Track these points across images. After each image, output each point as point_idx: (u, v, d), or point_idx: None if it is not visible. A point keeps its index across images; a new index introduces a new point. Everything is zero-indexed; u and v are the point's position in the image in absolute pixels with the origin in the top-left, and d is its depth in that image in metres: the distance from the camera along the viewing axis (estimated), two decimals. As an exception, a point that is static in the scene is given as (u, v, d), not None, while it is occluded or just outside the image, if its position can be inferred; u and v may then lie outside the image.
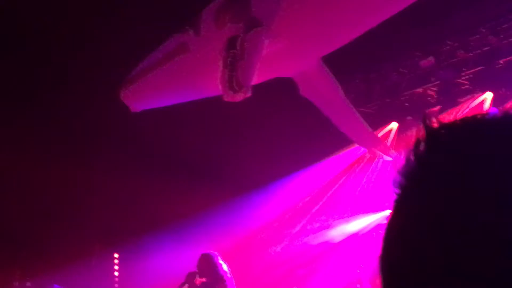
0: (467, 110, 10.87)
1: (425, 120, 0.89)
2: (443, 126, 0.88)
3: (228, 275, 7.91)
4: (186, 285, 8.12)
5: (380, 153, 10.70)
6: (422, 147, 0.88)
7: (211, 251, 8.30)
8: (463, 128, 0.88)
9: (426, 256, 0.82)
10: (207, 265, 7.97)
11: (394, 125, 12.00)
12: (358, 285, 11.06)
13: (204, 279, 7.98)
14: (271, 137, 11.81)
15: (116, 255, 13.94)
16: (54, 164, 12.28)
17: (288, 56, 8.54)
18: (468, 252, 0.80)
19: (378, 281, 0.88)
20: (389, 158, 10.79)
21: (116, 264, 13.93)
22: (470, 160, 0.83)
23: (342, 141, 10.94)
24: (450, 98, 11.44)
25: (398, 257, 0.87)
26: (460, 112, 10.96)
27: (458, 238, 0.80)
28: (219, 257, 8.11)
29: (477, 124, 0.88)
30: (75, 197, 12.58)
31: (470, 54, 11.19)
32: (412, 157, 0.88)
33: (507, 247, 0.79)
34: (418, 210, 0.85)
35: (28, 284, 12.91)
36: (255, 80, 8.08)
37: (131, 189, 12.73)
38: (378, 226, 12.06)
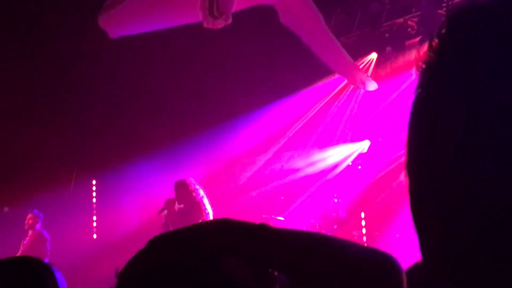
0: None
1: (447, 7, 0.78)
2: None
3: (204, 199, 7.98)
4: (165, 211, 8.18)
5: (360, 83, 10.69)
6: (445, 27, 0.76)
7: (187, 177, 8.33)
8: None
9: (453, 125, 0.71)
10: (184, 191, 8.03)
11: (373, 56, 11.96)
12: (334, 214, 11.20)
13: (182, 205, 8.05)
14: (251, 65, 11.73)
15: (94, 182, 13.97)
16: (32, 88, 12.17)
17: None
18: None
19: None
20: (369, 88, 10.79)
21: (94, 191, 13.97)
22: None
23: (323, 71, 10.89)
24: (430, 29, 11.38)
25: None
26: None
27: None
28: (195, 183, 8.16)
29: None
30: (52, 123, 12.49)
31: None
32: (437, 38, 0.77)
33: None
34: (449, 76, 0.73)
35: (6, 209, 12.92)
36: (236, 7, 7.97)
37: (110, 115, 12.67)
38: (356, 156, 12.17)
